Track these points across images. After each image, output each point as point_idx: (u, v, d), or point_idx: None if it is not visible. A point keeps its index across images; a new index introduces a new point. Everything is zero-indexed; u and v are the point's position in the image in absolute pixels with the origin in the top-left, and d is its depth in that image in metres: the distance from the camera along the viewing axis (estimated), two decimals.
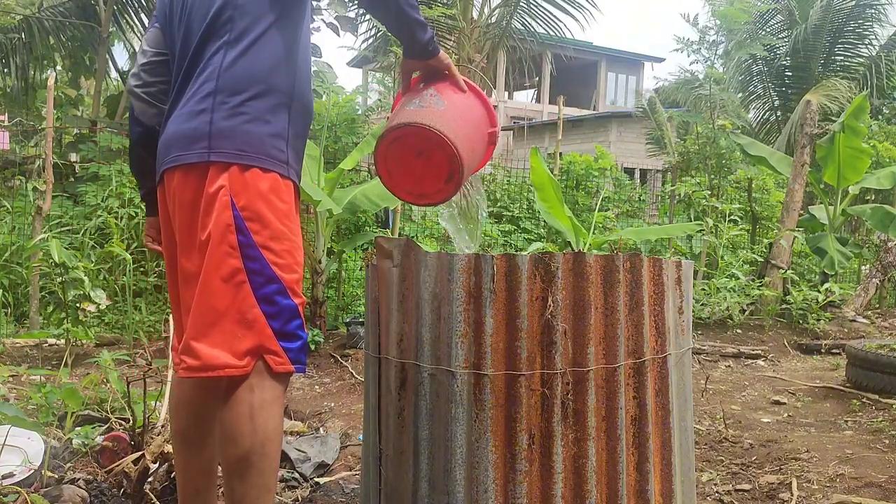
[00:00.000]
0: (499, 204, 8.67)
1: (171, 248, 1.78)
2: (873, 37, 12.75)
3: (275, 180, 1.63)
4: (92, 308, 4.39)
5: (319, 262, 5.09)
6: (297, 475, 2.60)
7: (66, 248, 4.70)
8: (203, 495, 1.79)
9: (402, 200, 1.75)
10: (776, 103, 13.31)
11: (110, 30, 8.43)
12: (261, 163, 1.61)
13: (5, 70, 8.51)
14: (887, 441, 3.27)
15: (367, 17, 9.19)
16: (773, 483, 2.70)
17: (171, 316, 1.92)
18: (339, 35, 8.56)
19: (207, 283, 1.59)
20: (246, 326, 1.59)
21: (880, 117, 12.06)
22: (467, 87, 1.83)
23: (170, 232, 1.76)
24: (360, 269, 6.33)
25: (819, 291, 6.51)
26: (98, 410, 2.91)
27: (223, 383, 1.65)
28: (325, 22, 7.43)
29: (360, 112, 8.36)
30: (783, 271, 6.95)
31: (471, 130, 1.77)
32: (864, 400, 4.07)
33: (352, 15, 8.50)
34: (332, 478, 2.64)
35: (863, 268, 9.12)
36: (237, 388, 1.60)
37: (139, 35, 9.08)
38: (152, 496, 2.17)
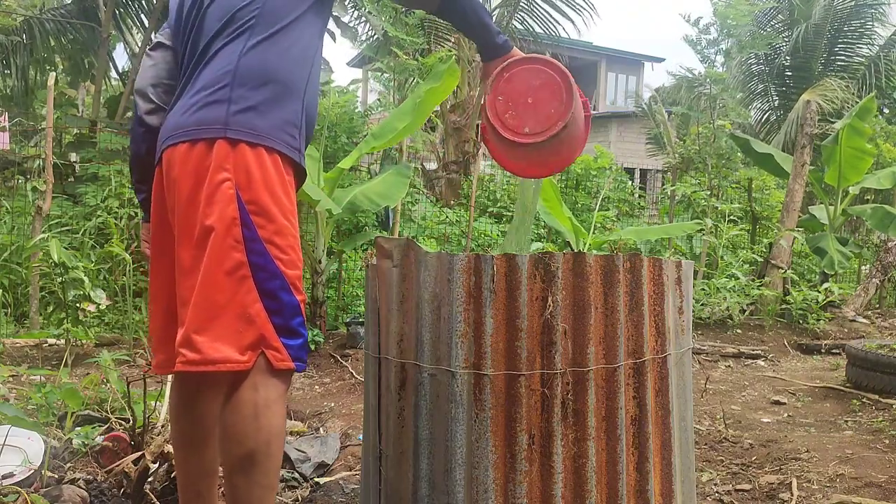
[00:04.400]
0: (499, 204, 8.68)
1: (159, 235, 1.75)
2: (874, 36, 12.76)
3: (283, 168, 1.64)
4: (92, 308, 4.39)
5: (319, 262, 5.09)
6: (297, 475, 2.60)
7: (66, 248, 4.71)
8: (204, 496, 1.78)
9: (542, 139, 1.81)
10: (777, 103, 13.32)
11: (111, 31, 8.43)
12: (276, 145, 1.62)
13: (6, 71, 8.51)
14: (887, 441, 3.27)
15: (365, 20, 9.20)
16: (773, 483, 2.70)
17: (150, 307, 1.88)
18: (334, 41, 8.58)
19: (210, 277, 1.56)
20: (248, 321, 1.56)
21: (880, 117, 12.07)
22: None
23: (159, 217, 1.73)
24: (360, 269, 6.33)
25: (819, 291, 6.51)
26: (98, 410, 2.91)
27: (225, 382, 1.62)
28: None
29: (359, 111, 8.37)
30: (783, 271, 6.95)
31: None
32: (864, 400, 4.07)
33: (350, 19, 8.51)
34: (332, 478, 2.64)
35: (863, 268, 9.13)
36: (240, 387, 1.58)
37: (140, 35, 9.09)
38: (152, 496, 2.17)
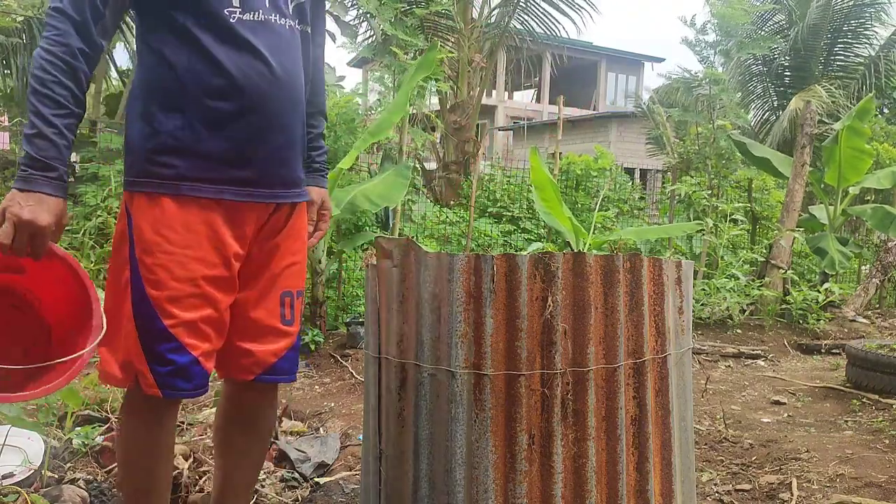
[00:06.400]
0: (499, 204, 8.67)
1: None
2: (873, 36, 12.74)
3: (166, 204, 1.51)
4: None
5: (319, 262, 5.09)
6: (297, 475, 2.60)
7: (66, 248, 4.69)
8: (225, 495, 1.82)
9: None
10: (775, 104, 13.31)
11: None
12: (141, 187, 1.52)
13: (6, 71, 8.50)
14: (887, 441, 3.27)
15: (365, 19, 9.21)
16: (773, 483, 2.70)
17: None
18: (334, 41, 8.59)
19: (107, 292, 1.59)
20: (125, 339, 1.54)
21: (880, 117, 12.06)
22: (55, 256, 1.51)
23: None
24: (360, 269, 6.33)
25: (819, 291, 6.51)
26: (98, 410, 2.91)
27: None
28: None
29: (360, 112, 8.37)
30: (783, 271, 6.95)
31: None
32: (864, 400, 4.07)
33: (350, 20, 8.51)
34: (332, 478, 2.64)
35: (863, 268, 9.12)
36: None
37: None
38: None
